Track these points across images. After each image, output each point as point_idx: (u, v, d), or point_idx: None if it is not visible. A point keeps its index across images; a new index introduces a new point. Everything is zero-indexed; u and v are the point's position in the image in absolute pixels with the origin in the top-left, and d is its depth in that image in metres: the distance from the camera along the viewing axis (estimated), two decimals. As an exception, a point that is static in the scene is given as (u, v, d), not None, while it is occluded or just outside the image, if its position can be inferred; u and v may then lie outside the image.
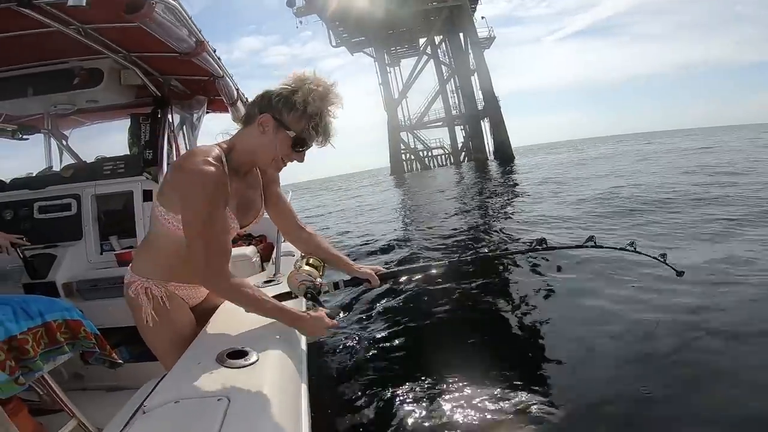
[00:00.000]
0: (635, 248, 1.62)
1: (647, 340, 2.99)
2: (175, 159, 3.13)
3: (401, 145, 41.88)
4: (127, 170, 2.94)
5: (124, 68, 2.66)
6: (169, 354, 1.46)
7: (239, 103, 2.98)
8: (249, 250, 3.04)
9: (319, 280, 1.54)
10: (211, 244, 1.30)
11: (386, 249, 7.66)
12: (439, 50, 42.94)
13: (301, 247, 1.71)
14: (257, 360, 1.17)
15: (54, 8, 1.84)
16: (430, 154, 45.60)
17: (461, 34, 38.66)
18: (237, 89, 2.87)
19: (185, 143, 3.37)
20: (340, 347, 3.56)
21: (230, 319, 1.44)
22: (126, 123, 3.15)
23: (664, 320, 3.18)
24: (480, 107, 38.76)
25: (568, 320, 3.58)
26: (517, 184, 16.81)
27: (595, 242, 1.62)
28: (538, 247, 1.67)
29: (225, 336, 1.33)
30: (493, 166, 31.57)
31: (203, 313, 1.62)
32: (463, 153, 44.23)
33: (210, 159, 1.33)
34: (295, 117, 1.37)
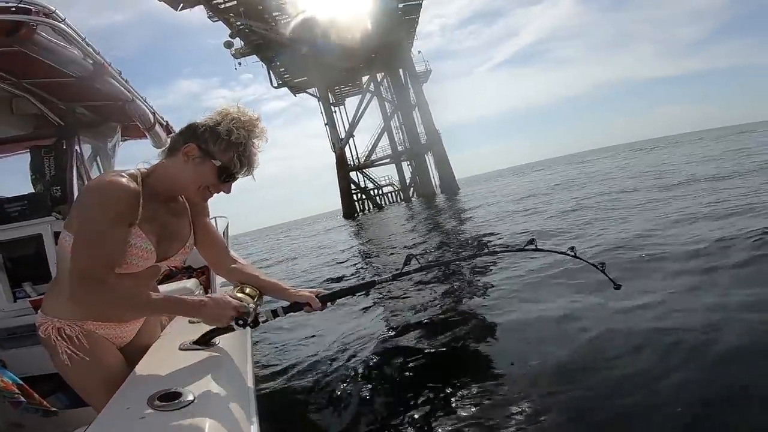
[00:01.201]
0: (575, 254, 1.60)
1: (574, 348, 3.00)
2: None
3: (352, 185, 42.02)
4: (32, 211, 2.71)
5: (16, 96, 2.46)
6: (98, 396, 1.36)
7: (158, 127, 2.83)
8: (190, 282, 2.86)
9: (252, 305, 1.43)
10: (96, 253, 1.22)
11: (333, 276, 7.73)
12: (381, 87, 44.03)
13: (233, 278, 1.60)
14: (193, 401, 1.05)
15: None
16: (380, 192, 45.98)
17: (401, 70, 39.62)
18: (153, 113, 2.72)
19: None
20: (292, 378, 3.42)
21: (163, 357, 1.34)
22: (27, 157, 2.89)
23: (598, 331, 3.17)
24: (423, 142, 39.58)
25: (509, 326, 3.55)
26: (461, 211, 17.43)
27: (536, 245, 1.61)
28: (479, 253, 1.65)
29: (157, 376, 1.22)
30: (440, 199, 32.17)
31: (135, 352, 1.50)
32: (412, 188, 44.92)
33: (122, 174, 1.31)
34: (221, 147, 1.37)
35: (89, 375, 1.40)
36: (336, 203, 43.50)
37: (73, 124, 2.77)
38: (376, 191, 45.25)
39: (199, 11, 31.78)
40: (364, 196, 43.64)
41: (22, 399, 1.84)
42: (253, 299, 1.46)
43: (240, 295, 1.45)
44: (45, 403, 1.93)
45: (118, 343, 1.51)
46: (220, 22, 33.00)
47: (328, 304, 1.59)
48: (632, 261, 4.68)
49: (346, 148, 42.13)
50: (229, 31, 34.31)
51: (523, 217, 10.79)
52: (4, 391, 1.80)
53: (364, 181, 44.34)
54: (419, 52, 45.71)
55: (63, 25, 1.60)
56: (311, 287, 1.65)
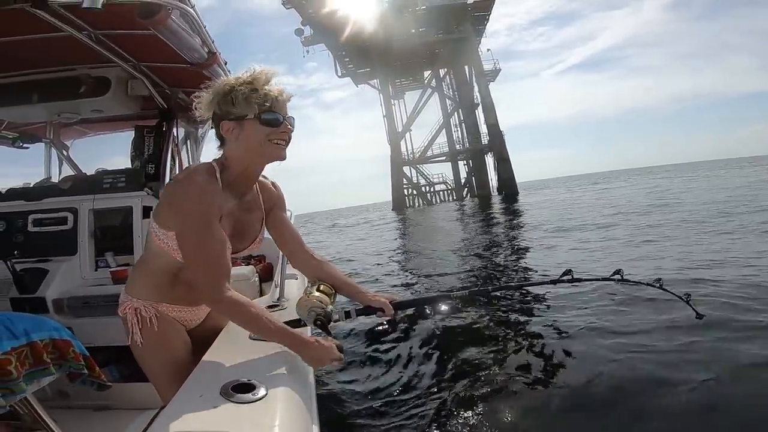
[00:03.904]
0: (661, 285, 1.61)
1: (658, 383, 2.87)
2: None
3: (404, 179, 41.87)
4: (127, 184, 2.87)
5: (133, 78, 2.60)
6: (162, 377, 1.44)
7: (246, 119, 2.94)
8: (247, 269, 2.95)
9: (330, 307, 1.44)
10: (208, 258, 1.28)
11: (400, 280, 7.52)
12: (443, 83, 43.49)
13: (310, 274, 1.61)
14: (265, 395, 1.07)
15: (67, 11, 1.77)
16: (432, 189, 45.60)
17: (466, 67, 38.83)
18: None
19: (189, 158, 3.31)
20: (348, 381, 3.41)
21: (234, 346, 1.35)
22: (130, 135, 3.09)
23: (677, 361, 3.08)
24: (484, 141, 38.60)
25: (587, 356, 3.42)
26: (532, 224, 15.97)
27: (621, 276, 1.59)
28: (563, 278, 1.61)
29: (228, 365, 1.24)
30: (497, 202, 30.99)
31: (203, 336, 1.54)
32: (466, 189, 44.23)
33: (202, 170, 1.33)
34: (241, 104, 1.34)
35: (158, 357, 1.45)
36: (386, 195, 43.60)
37: (174, 108, 2.92)
38: (427, 188, 44.94)
39: (275, -4, 32.65)
40: (415, 192, 43.47)
41: (85, 371, 1.88)
42: (329, 298, 1.47)
43: (316, 293, 1.45)
44: (103, 377, 1.97)
45: (187, 326, 1.55)
46: (293, 9, 33.72)
47: (399, 312, 1.57)
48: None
49: (402, 142, 42.07)
50: (301, 19, 35.02)
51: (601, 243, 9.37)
52: (72, 362, 1.85)
53: (417, 176, 44.15)
54: (488, 49, 44.56)
55: (192, 10, 1.67)
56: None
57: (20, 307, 2.51)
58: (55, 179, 3.34)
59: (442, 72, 43.01)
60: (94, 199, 2.86)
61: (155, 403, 1.71)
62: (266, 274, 3.16)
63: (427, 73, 44.60)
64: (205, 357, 1.33)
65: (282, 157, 1.43)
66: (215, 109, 1.38)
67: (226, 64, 2.34)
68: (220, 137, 1.41)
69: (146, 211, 2.82)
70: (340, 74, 42.32)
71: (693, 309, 1.62)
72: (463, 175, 44.97)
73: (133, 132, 3.06)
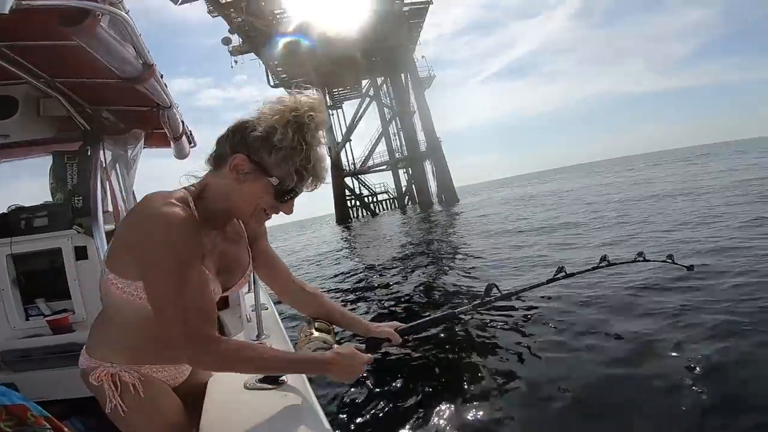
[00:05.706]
0: (644, 257, 1.67)
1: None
2: (109, 205, 2.68)
3: (346, 191, 41.59)
4: (51, 223, 2.48)
5: (45, 96, 2.21)
6: None
7: (184, 138, 2.61)
8: None
9: (335, 346, 1.32)
10: (188, 306, 1.03)
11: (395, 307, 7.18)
12: (381, 91, 43.73)
13: (305, 309, 1.46)
14: None
15: None
16: (375, 199, 45.60)
17: (402, 75, 39.13)
18: (182, 122, 2.50)
19: (119, 185, 2.90)
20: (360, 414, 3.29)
21: (231, 400, 1.25)
22: (46, 161, 2.66)
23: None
24: (422, 148, 39.05)
25: (595, 355, 3.64)
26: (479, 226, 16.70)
27: (608, 261, 1.65)
28: (558, 276, 1.62)
29: (231, 424, 1.13)
30: (439, 209, 31.81)
31: (190, 391, 1.37)
32: (407, 197, 44.61)
33: (173, 200, 1.07)
34: (277, 159, 1.11)
35: (148, 424, 1.24)
36: (328, 208, 43.09)
37: (99, 129, 2.54)
38: (370, 198, 44.94)
39: (200, 5, 31.01)
40: (358, 203, 43.29)
41: None
42: (329, 335, 1.36)
43: (317, 334, 1.34)
44: None
45: (173, 384, 1.35)
46: (219, 18, 32.35)
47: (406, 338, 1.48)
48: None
49: (342, 153, 41.78)
50: (228, 28, 33.71)
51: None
52: (35, 426, 1.62)
53: (359, 187, 44.03)
54: (423, 56, 45.45)
55: (126, 15, 1.37)
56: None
57: None
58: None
59: (379, 80, 43.23)
60: (11, 243, 2.46)
61: None
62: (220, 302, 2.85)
63: (365, 82, 44.67)
64: (203, 416, 1.21)
65: (259, 228, 1.34)
66: (243, 134, 1.12)
67: (162, 77, 2.02)
68: (217, 158, 1.17)
69: (79, 252, 2.47)
70: (273, 84, 40.95)
71: (681, 265, 1.73)
72: (404, 183, 45.34)
73: (52, 158, 2.64)
